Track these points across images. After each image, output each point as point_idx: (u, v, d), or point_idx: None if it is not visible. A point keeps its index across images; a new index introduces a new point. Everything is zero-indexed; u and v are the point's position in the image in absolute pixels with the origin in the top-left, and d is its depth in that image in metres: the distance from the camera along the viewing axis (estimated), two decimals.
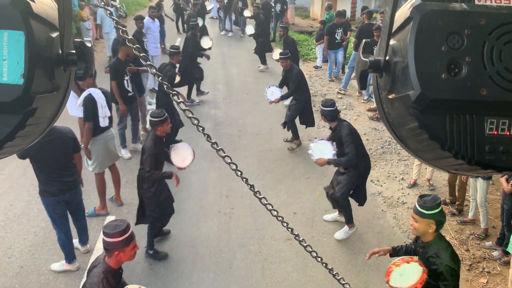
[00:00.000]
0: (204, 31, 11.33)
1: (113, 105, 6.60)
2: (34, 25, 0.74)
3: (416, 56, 0.78)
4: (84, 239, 5.20)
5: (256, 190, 1.36)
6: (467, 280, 5.10)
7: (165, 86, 1.15)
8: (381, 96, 0.92)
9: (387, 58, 0.86)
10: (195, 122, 1.18)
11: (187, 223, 5.86)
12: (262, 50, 12.33)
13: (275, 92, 7.83)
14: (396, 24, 0.85)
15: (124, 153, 7.36)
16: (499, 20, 0.80)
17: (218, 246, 5.52)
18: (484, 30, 0.80)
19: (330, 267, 1.53)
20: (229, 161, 1.27)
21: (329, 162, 5.35)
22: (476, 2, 0.83)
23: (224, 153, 1.24)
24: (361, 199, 5.72)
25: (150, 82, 9.92)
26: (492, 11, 0.81)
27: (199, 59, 9.80)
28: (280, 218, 1.41)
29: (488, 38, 0.80)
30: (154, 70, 1.11)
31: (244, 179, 1.30)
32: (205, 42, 10.01)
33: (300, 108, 7.79)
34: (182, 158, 5.03)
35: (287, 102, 9.64)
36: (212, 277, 5.01)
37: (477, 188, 5.55)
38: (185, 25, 14.92)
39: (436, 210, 3.15)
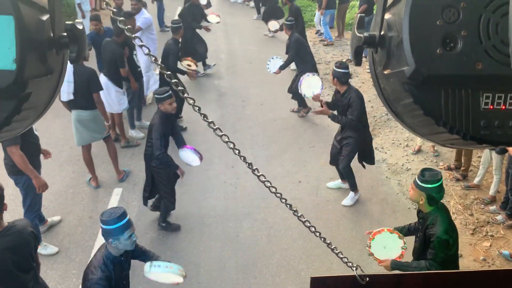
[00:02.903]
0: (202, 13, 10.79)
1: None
2: (24, 8, 0.73)
3: (411, 31, 0.77)
4: None
5: (256, 169, 1.37)
6: (471, 244, 5.18)
7: (165, 75, 1.14)
8: (377, 72, 0.91)
9: (382, 33, 0.84)
10: (191, 102, 1.18)
11: (194, 193, 5.94)
12: (272, 16, 11.95)
13: (277, 64, 7.72)
14: None
15: (135, 133, 7.26)
16: None
17: (225, 215, 5.62)
18: (480, 3, 0.78)
19: (328, 241, 1.57)
20: (232, 146, 1.27)
21: (330, 116, 5.42)
22: None
23: (221, 131, 1.24)
24: (370, 160, 5.84)
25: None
26: None
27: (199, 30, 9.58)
28: (284, 200, 1.44)
29: (485, 11, 0.78)
30: (147, 51, 1.10)
31: (251, 167, 1.31)
32: (212, 18, 9.87)
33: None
34: (190, 160, 5.07)
35: (294, 66, 9.51)
36: (220, 246, 5.13)
37: (491, 155, 5.54)
38: None
39: (429, 185, 3.21)
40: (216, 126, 1.20)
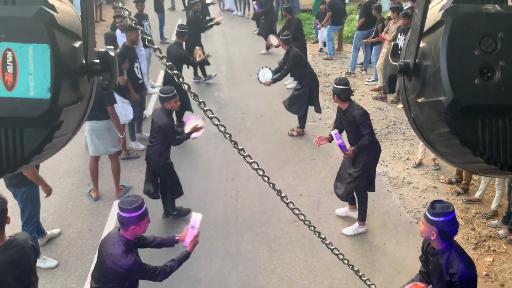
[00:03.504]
0: (205, 10, 11.20)
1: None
2: (59, 36, 0.72)
3: (449, 61, 0.76)
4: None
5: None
6: (473, 258, 5.12)
7: (180, 79, 1.13)
8: (409, 99, 0.90)
9: (416, 61, 0.84)
10: (216, 122, 1.16)
11: (193, 206, 5.88)
12: (269, 31, 12.05)
13: (266, 74, 7.53)
14: (425, 26, 0.83)
15: (135, 145, 7.24)
16: None
17: (225, 229, 5.57)
18: None
19: (361, 273, 1.54)
20: (255, 166, 1.25)
21: (355, 151, 5.07)
22: (509, 3, 0.80)
23: (245, 152, 1.22)
24: (372, 186, 5.52)
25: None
26: None
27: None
28: (313, 228, 1.42)
29: None
30: (160, 54, 1.10)
31: (271, 184, 1.28)
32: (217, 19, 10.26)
33: (307, 95, 7.50)
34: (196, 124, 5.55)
35: (290, 85, 9.54)
36: (220, 260, 5.08)
37: None
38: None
39: (441, 219, 2.95)
40: (235, 143, 1.17)
